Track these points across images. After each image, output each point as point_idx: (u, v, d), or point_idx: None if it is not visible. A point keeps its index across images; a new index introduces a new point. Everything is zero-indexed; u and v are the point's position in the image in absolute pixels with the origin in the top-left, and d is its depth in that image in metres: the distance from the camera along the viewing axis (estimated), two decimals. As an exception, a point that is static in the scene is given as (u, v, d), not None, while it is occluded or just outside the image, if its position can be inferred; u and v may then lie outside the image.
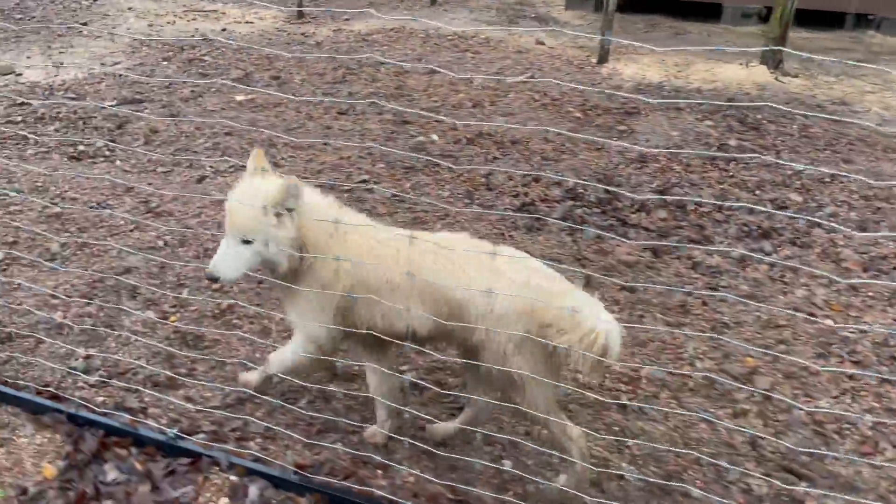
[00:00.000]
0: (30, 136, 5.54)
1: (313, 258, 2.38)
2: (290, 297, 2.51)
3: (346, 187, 4.91)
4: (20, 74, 7.06)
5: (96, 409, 2.67)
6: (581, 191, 4.90)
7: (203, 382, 2.89)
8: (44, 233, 3.92)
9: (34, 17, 9.22)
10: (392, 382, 2.67)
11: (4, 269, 3.72)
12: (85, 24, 9.13)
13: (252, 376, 2.77)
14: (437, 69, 7.78)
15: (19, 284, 3.56)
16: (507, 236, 4.34)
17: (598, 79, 7.54)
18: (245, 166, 2.48)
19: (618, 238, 3.94)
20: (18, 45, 8.00)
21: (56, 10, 9.71)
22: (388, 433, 2.69)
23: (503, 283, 2.26)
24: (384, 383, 2.63)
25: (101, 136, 5.67)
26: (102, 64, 7.55)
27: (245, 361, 2.94)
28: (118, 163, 5.17)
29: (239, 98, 6.67)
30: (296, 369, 2.62)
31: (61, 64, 7.44)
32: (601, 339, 2.17)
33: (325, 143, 5.50)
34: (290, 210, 2.33)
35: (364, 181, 5.03)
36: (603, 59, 8.00)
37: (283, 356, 2.62)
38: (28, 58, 7.59)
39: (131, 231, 4.21)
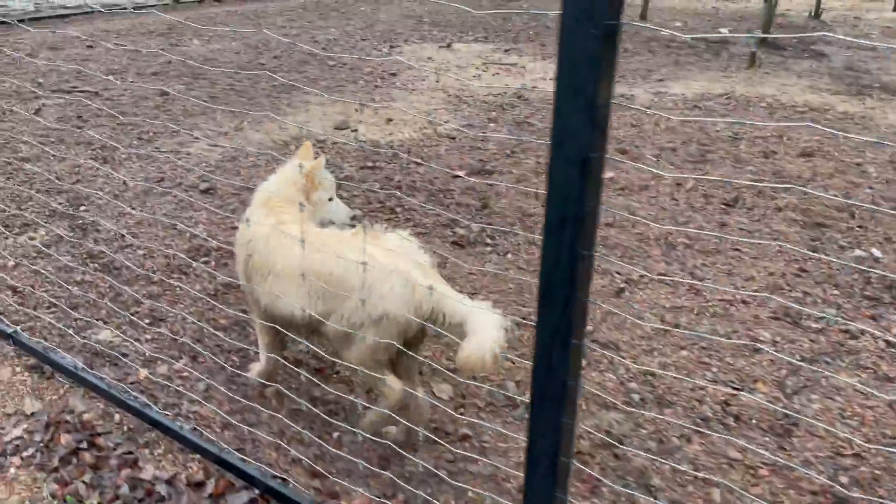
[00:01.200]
0: (396, 209, 4.98)
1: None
2: None
3: (815, 327, 3.76)
4: (355, 130, 6.72)
5: None
6: None
7: None
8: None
9: (346, 65, 9.11)
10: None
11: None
12: (394, 74, 8.86)
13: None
14: (814, 152, 6.54)
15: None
16: None
17: None
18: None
19: None
20: (343, 94, 7.78)
21: (360, 59, 9.59)
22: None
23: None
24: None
25: (468, 213, 5.00)
26: (430, 122, 7.06)
27: None
28: (509, 256, 4.41)
29: (597, 175, 5.78)
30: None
31: (391, 120, 7.04)
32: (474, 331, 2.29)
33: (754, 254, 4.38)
34: None
35: (824, 319, 3.85)
36: None
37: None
38: (356, 110, 7.28)
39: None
